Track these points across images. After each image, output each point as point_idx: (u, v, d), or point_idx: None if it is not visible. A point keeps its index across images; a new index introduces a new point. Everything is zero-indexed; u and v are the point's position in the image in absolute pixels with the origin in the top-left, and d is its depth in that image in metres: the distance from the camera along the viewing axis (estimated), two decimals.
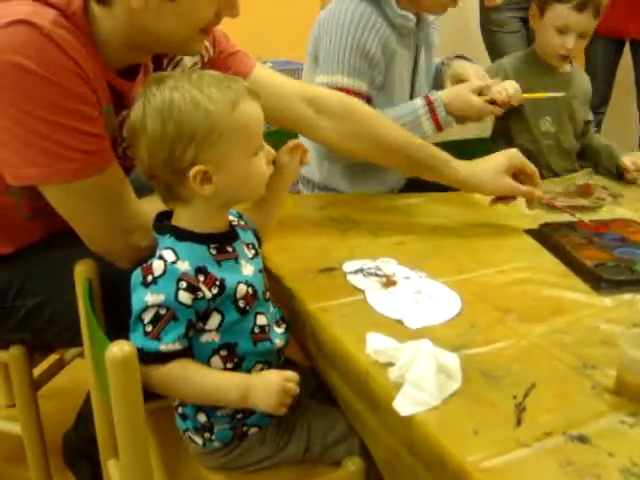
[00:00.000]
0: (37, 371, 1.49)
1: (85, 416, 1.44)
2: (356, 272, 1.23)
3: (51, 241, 1.28)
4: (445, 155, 1.45)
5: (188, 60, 1.35)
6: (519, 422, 0.84)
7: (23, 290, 1.25)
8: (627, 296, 1.18)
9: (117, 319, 0.99)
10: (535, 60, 1.87)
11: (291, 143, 1.16)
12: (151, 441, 1.14)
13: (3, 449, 1.74)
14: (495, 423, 0.84)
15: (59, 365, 1.64)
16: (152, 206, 1.16)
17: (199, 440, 1.05)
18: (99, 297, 1.16)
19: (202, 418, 1.03)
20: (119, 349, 0.86)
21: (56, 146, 1.06)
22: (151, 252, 1.14)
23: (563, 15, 1.74)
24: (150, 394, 0.95)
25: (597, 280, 1.21)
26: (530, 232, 1.45)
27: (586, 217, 1.53)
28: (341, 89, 1.59)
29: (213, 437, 1.04)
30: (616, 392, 0.90)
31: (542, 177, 1.57)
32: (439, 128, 1.66)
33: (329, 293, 1.16)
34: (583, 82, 1.96)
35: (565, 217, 1.53)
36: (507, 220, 1.52)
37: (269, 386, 0.96)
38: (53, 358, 1.62)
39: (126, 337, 0.92)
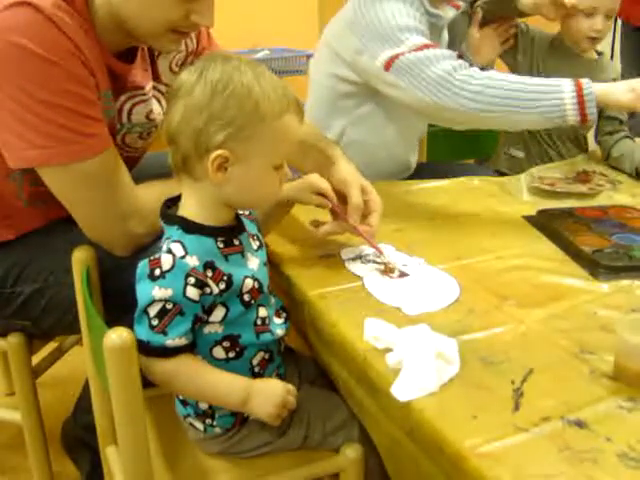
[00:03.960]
0: (36, 359, 1.49)
1: (84, 404, 1.44)
2: (354, 259, 1.23)
3: (50, 228, 1.28)
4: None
5: None
6: (517, 407, 0.84)
7: (22, 276, 1.25)
8: (625, 282, 1.18)
9: (115, 306, 0.99)
10: (561, 46, 1.88)
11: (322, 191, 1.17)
12: (150, 428, 1.14)
13: (2, 437, 1.74)
14: (493, 408, 0.84)
15: (58, 353, 1.64)
16: (149, 192, 1.17)
17: (200, 426, 1.06)
18: (97, 284, 1.16)
19: (204, 404, 1.03)
20: (118, 336, 0.86)
21: (56, 128, 1.07)
22: (148, 239, 1.14)
23: None
24: (148, 381, 0.95)
25: (595, 266, 1.21)
26: (528, 218, 1.45)
27: (585, 204, 1.54)
28: (424, 46, 1.47)
29: (214, 423, 1.04)
30: (614, 377, 0.90)
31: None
32: (584, 121, 1.40)
33: (327, 280, 1.16)
34: (608, 72, 1.93)
35: (563, 203, 1.53)
36: (505, 206, 1.52)
37: (271, 396, 0.97)
38: (52, 346, 1.62)
39: (124, 324, 0.91)
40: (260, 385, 0.98)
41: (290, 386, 1.00)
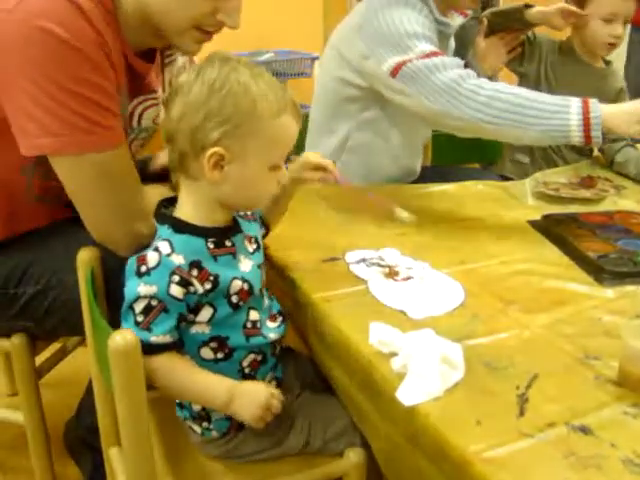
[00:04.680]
0: (39, 360, 1.49)
1: (87, 405, 1.44)
2: (359, 262, 1.22)
3: (53, 229, 1.28)
4: None
5: (180, 59, 1.37)
6: (522, 413, 0.84)
7: (25, 277, 1.25)
8: (629, 288, 1.18)
9: (119, 307, 0.99)
10: (570, 53, 1.90)
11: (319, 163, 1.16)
12: (153, 429, 1.14)
13: (5, 437, 1.74)
14: (498, 413, 0.84)
15: (61, 354, 1.64)
16: (155, 194, 1.16)
17: (198, 429, 1.06)
18: (101, 285, 1.16)
19: (197, 407, 1.04)
20: (122, 338, 0.86)
21: (74, 116, 1.06)
22: (151, 240, 1.14)
23: (609, 3, 1.76)
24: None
25: (600, 272, 1.21)
26: (533, 223, 1.45)
27: (589, 209, 1.53)
28: (432, 54, 1.47)
29: (211, 426, 1.04)
30: (618, 383, 0.90)
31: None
32: (588, 143, 1.38)
33: (332, 283, 1.15)
34: (617, 81, 1.96)
35: (568, 208, 1.53)
36: (510, 211, 1.52)
37: (255, 398, 0.96)
38: (55, 347, 1.62)
39: None
40: (244, 387, 0.98)
41: (275, 390, 0.99)
